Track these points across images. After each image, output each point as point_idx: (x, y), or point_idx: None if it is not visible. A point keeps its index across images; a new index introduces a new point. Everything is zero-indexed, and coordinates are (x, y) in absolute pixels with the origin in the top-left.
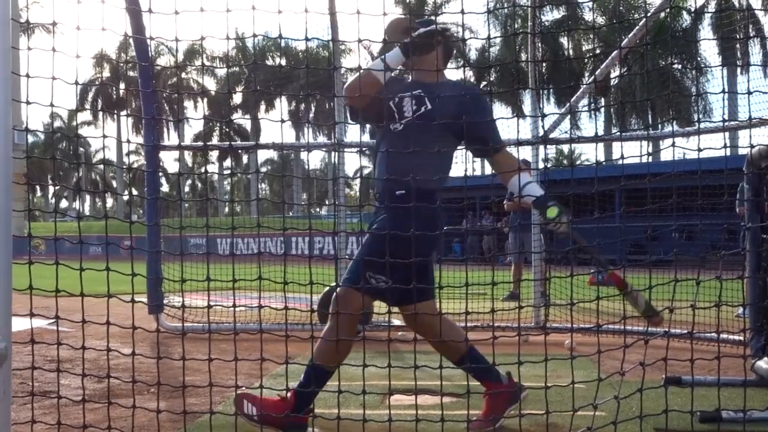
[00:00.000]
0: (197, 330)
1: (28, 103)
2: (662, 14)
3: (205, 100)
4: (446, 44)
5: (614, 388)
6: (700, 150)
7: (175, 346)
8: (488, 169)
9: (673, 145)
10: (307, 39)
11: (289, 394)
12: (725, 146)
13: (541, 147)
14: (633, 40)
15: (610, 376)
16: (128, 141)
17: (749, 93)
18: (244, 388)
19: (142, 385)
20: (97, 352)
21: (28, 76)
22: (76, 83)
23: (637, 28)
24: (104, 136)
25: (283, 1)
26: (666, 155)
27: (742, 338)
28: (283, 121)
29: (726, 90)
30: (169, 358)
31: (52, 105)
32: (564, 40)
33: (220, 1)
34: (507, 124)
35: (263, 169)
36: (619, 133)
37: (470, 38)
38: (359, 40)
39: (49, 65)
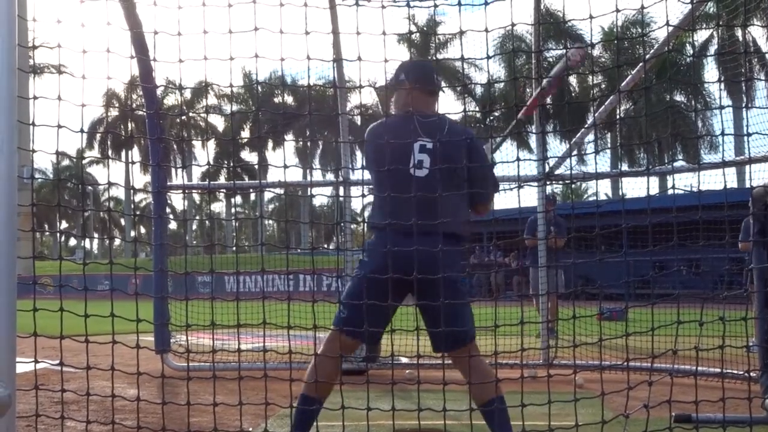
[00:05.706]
0: (204, 369)
1: (33, 151)
2: (666, 48)
3: (213, 138)
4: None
5: (622, 426)
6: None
7: (183, 385)
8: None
9: (673, 187)
10: (310, 86)
11: None
12: (725, 186)
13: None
14: (636, 76)
15: (615, 418)
16: (133, 188)
17: (748, 135)
18: (250, 430)
19: (147, 431)
20: (103, 392)
21: (33, 124)
22: (82, 131)
23: (635, 70)
24: (109, 183)
25: (290, 45)
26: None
27: (748, 374)
28: (286, 166)
29: (724, 132)
30: (174, 403)
31: (57, 153)
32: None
33: (224, 47)
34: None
35: (270, 207)
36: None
37: (470, 84)
38: (360, 87)
39: (56, 110)
